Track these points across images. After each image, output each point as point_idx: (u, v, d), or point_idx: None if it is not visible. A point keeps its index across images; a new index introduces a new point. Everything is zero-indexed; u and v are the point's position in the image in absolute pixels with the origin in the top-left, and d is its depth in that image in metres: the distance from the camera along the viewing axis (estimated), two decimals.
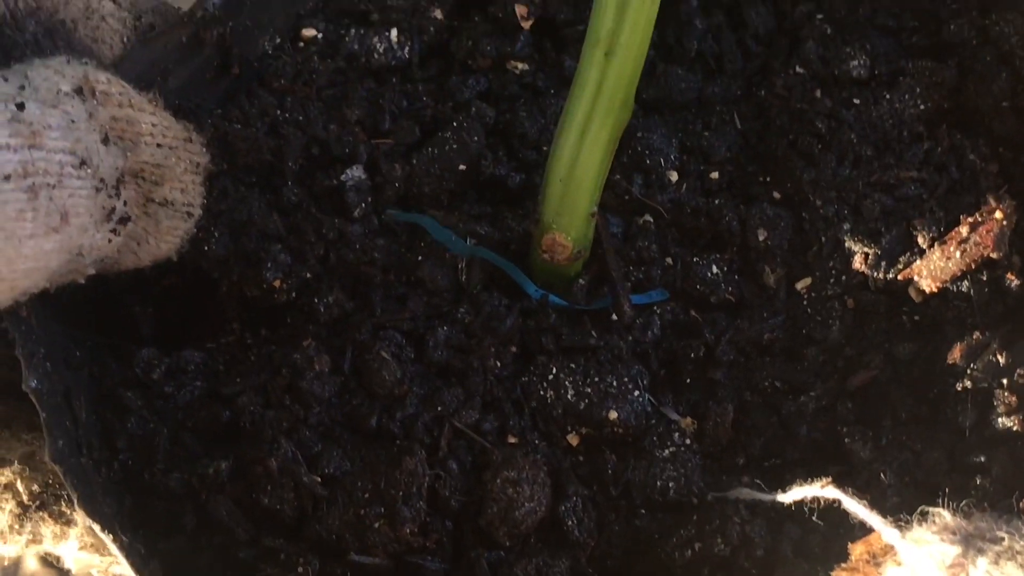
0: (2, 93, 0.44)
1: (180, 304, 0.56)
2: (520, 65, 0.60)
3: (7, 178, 0.42)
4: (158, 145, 0.50)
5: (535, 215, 0.54)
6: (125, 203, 0.48)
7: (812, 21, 0.61)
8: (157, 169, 0.50)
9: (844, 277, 0.56)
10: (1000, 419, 0.51)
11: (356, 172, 0.56)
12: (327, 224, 0.54)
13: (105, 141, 0.47)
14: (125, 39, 0.55)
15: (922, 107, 0.58)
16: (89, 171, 0.46)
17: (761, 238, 0.57)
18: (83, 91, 0.47)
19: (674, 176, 0.58)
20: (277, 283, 0.53)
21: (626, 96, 0.50)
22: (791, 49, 0.61)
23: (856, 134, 0.57)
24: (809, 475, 0.52)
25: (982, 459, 0.50)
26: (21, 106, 0.44)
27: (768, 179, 0.58)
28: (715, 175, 0.59)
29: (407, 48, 0.60)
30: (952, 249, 0.54)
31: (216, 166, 0.52)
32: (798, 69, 0.59)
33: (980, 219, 0.55)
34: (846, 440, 0.53)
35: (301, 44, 0.59)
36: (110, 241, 0.48)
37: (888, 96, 0.58)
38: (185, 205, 0.51)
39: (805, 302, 0.56)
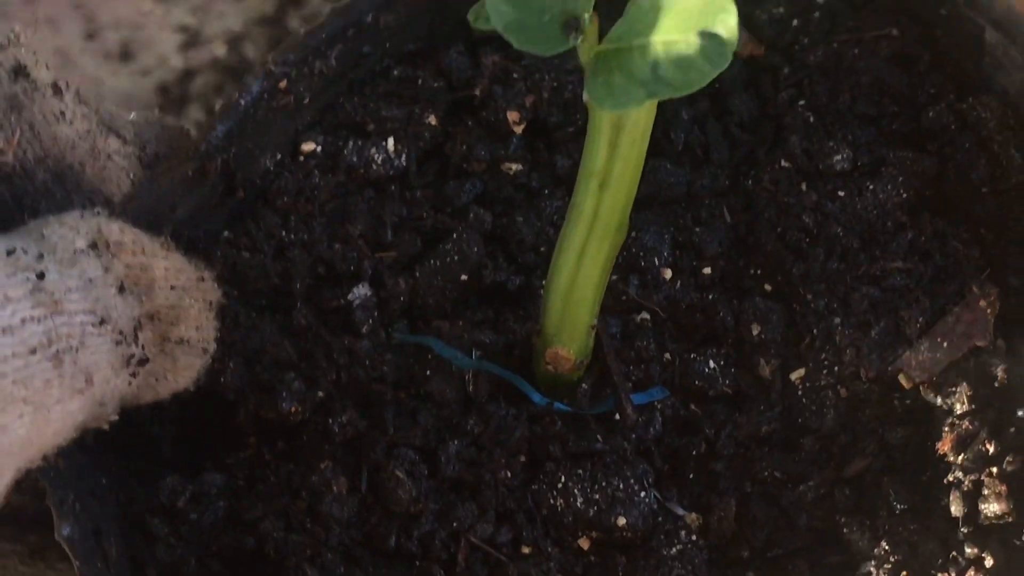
0: (23, 263, 0.46)
1: (198, 420, 0.58)
2: (514, 166, 0.62)
3: (33, 351, 0.44)
4: (172, 288, 0.51)
5: (537, 327, 0.56)
6: (143, 346, 0.50)
7: (795, 108, 0.63)
8: (172, 311, 0.52)
9: (836, 368, 0.58)
10: (991, 509, 0.53)
11: (362, 290, 0.58)
12: (337, 347, 0.57)
13: (121, 290, 0.49)
14: (132, 174, 0.57)
15: (904, 195, 0.60)
16: (108, 327, 0.48)
17: (755, 332, 0.59)
18: (98, 245, 0.49)
19: (668, 273, 0.60)
20: (293, 409, 0.55)
21: (621, 221, 0.52)
22: (776, 138, 0.63)
23: (842, 227, 0.59)
24: (811, 565, 0.55)
25: (975, 550, 0.52)
26: (42, 275, 0.46)
27: (759, 272, 0.60)
28: (707, 270, 0.61)
29: (404, 156, 0.61)
30: (940, 340, 0.57)
31: (227, 297, 0.54)
32: (783, 163, 0.61)
33: (965, 309, 0.57)
34: (844, 530, 0.55)
35: (301, 158, 0.61)
36: (130, 384, 0.50)
37: (871, 187, 0.60)
38: (201, 341, 0.53)
39: (800, 393, 0.58)
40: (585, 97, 0.48)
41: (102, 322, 0.47)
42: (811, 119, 0.62)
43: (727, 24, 0.44)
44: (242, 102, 0.58)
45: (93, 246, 0.49)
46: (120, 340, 0.48)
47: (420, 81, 0.63)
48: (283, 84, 0.59)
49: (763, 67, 0.65)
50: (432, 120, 0.62)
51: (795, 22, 0.64)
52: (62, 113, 0.54)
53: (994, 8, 0.59)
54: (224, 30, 1.54)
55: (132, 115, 0.62)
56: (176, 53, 1.53)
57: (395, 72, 0.63)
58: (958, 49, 0.61)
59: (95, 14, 1.54)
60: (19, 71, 0.52)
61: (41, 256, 0.47)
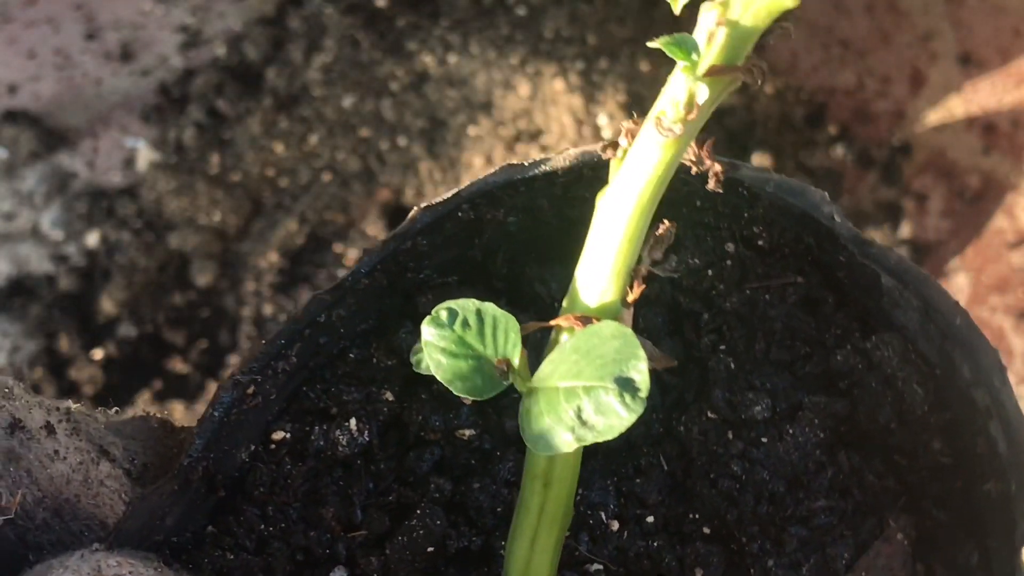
0: None
1: None
2: (467, 432, 0.68)
3: None
4: None
5: None
6: None
7: (717, 352, 0.69)
8: None
9: None
10: None
11: (339, 573, 0.64)
12: None
13: None
14: (124, 495, 0.62)
15: (821, 436, 0.66)
16: None
17: (699, 575, 0.65)
18: None
19: (615, 525, 0.66)
20: None
21: (566, 509, 0.59)
22: (702, 382, 0.69)
23: (768, 471, 0.65)
24: None
25: None
26: None
27: (697, 517, 0.66)
28: (651, 519, 0.66)
29: (366, 432, 0.67)
30: (864, 575, 0.63)
31: None
32: (710, 415, 0.67)
33: (885, 543, 0.63)
34: None
35: (273, 447, 0.67)
36: None
37: (791, 431, 0.66)
38: None
39: None
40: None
41: None
42: (732, 365, 0.68)
43: (640, 370, 0.50)
44: (216, 414, 0.64)
45: None
46: None
47: (375, 360, 0.69)
48: (251, 390, 0.65)
49: (686, 313, 0.71)
50: (389, 396, 0.68)
51: (710, 271, 0.70)
52: (56, 452, 0.59)
53: (886, 258, 0.65)
54: (224, 30, 1.60)
55: (113, 410, 0.67)
56: (176, 53, 1.59)
57: (351, 355, 0.69)
58: (859, 290, 0.68)
59: (95, 14, 1.60)
60: (15, 425, 0.58)
61: None
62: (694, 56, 0.51)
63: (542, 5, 1.51)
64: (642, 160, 0.53)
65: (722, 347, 0.69)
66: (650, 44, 0.50)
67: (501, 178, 0.67)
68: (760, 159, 1.42)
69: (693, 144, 0.57)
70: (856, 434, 0.67)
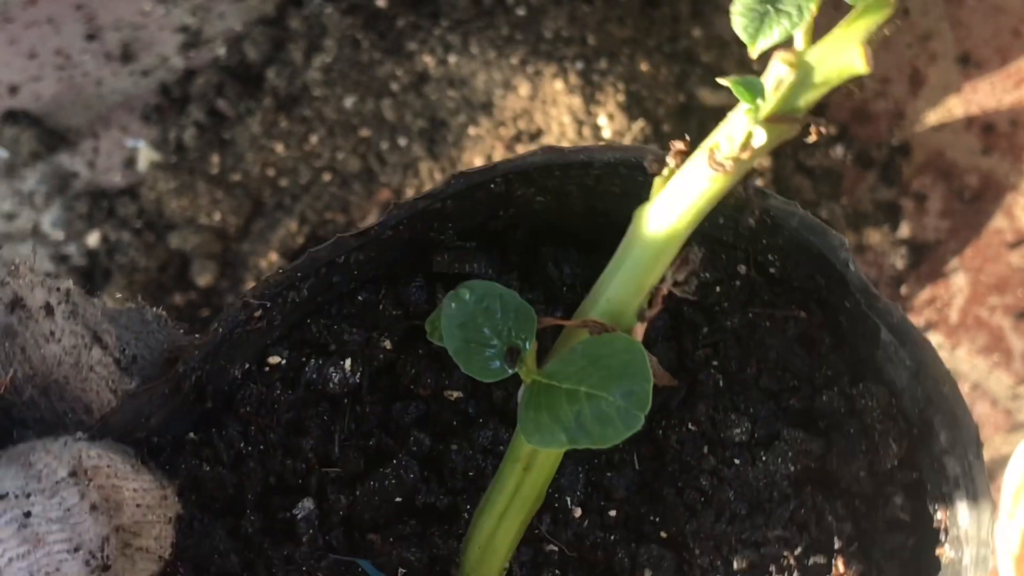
0: (12, 504, 0.53)
1: None
2: (455, 394, 0.70)
3: None
4: (138, 506, 0.59)
5: (457, 560, 0.64)
6: (108, 556, 0.57)
7: (708, 366, 0.71)
8: (137, 525, 0.59)
9: None
10: None
11: (307, 504, 0.66)
12: (277, 558, 0.64)
13: (93, 509, 0.56)
14: (111, 382, 0.64)
15: (792, 469, 0.68)
16: (82, 552, 0.55)
17: (647, 575, 0.67)
18: (77, 472, 0.56)
19: (578, 512, 0.68)
20: None
21: (539, 493, 0.61)
22: (689, 391, 0.71)
23: (734, 492, 0.67)
24: None
25: None
26: (28, 514, 0.53)
27: (658, 520, 0.68)
28: (613, 512, 0.68)
29: (359, 374, 0.69)
30: None
31: (185, 505, 0.61)
32: (690, 427, 0.69)
33: None
34: None
35: (267, 370, 0.68)
36: None
37: (764, 458, 0.68)
38: (159, 549, 0.61)
39: None
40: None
41: (76, 548, 0.55)
42: (720, 383, 0.70)
43: (644, 389, 0.52)
44: (220, 330, 0.65)
45: (73, 474, 0.56)
46: (90, 559, 0.56)
47: (381, 307, 0.70)
48: (258, 313, 0.66)
49: (686, 322, 0.72)
50: (387, 345, 0.69)
51: (718, 288, 0.72)
52: (52, 333, 0.60)
53: (890, 314, 0.67)
54: (225, 30, 1.60)
55: (105, 302, 0.68)
56: (177, 53, 1.59)
57: (359, 296, 0.70)
58: (857, 337, 0.69)
59: (96, 14, 1.61)
60: (16, 303, 0.59)
61: (28, 495, 0.54)
62: (759, 100, 0.52)
63: (542, 5, 1.51)
64: (688, 187, 0.54)
65: (715, 363, 0.71)
66: (719, 81, 0.51)
67: (540, 160, 0.68)
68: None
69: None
70: (825, 474, 0.69)
